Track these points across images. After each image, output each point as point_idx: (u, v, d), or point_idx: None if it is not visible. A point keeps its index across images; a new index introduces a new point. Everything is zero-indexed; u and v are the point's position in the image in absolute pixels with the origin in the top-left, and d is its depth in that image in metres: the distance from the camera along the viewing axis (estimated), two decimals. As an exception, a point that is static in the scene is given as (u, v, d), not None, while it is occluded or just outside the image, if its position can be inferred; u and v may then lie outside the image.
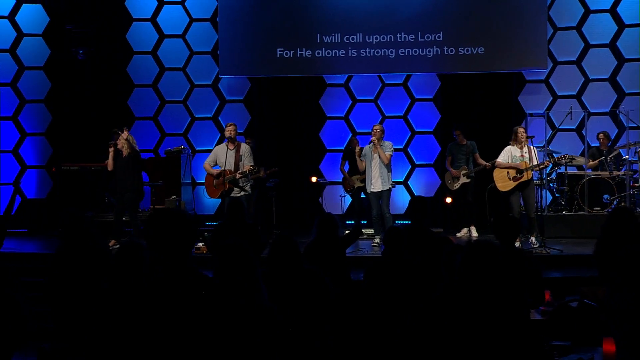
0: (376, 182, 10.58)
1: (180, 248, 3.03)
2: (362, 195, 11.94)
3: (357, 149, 10.99)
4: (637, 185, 11.38)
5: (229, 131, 10.35)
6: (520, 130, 10.31)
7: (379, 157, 10.53)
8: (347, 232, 9.32)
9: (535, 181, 10.32)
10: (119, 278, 4.74)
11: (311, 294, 4.78)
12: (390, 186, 10.71)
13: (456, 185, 11.57)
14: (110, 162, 10.34)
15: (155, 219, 3.12)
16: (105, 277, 5.04)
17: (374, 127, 10.75)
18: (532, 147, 10.26)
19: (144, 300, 2.93)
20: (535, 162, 10.03)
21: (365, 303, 5.52)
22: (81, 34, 12.59)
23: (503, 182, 10.25)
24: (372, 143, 10.58)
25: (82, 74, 13.20)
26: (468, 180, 11.53)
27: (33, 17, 13.28)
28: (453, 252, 4.03)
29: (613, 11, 12.83)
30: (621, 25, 12.80)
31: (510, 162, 10.18)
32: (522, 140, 10.20)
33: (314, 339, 4.59)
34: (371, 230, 11.11)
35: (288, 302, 4.59)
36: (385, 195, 10.62)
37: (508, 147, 10.30)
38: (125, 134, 10.31)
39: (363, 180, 11.43)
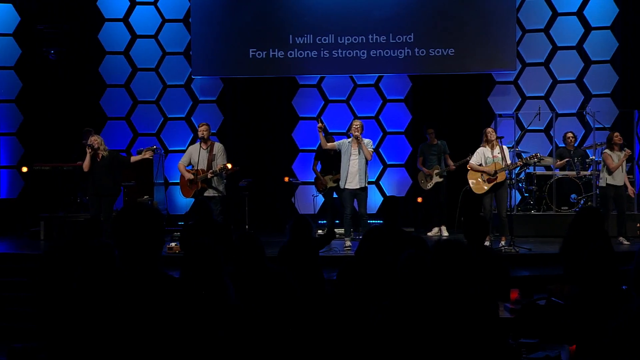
0: (354, 179, 10.15)
1: (151, 245, 2.95)
2: (335, 195, 12.01)
3: (323, 127, 10.53)
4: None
5: (201, 131, 10.36)
6: (489, 130, 10.40)
7: (362, 153, 10.13)
8: (319, 232, 9.43)
9: (507, 180, 10.45)
10: (88, 278, 4.78)
11: (275, 293, 4.83)
12: (366, 185, 10.39)
13: (430, 185, 11.69)
14: (87, 163, 10.22)
15: (125, 214, 3.04)
16: (75, 278, 5.06)
17: (356, 123, 10.29)
18: (504, 147, 10.38)
19: (111, 300, 2.93)
20: (507, 162, 10.15)
21: (336, 301, 5.57)
22: (52, 34, 12.53)
23: (477, 185, 10.33)
24: (355, 138, 10.14)
25: (54, 74, 13.12)
26: (441, 180, 11.65)
27: (3, 16, 13.17)
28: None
29: (580, 14, 13.05)
30: (588, 27, 13.02)
31: (482, 163, 10.27)
32: (492, 140, 10.29)
33: (280, 338, 4.64)
34: (342, 230, 10.75)
35: (252, 300, 4.64)
36: (363, 194, 10.26)
37: (480, 149, 10.38)
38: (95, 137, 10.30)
39: (336, 180, 11.46)
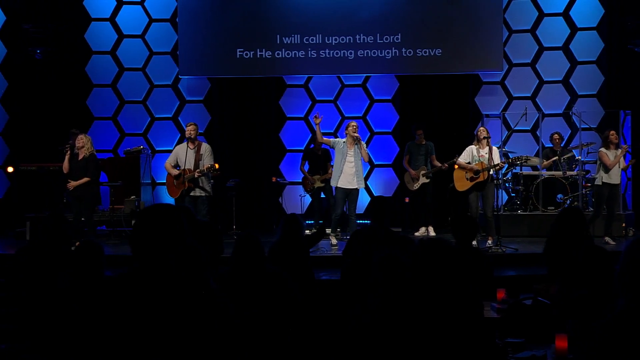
0: (352, 180, 10.38)
1: (170, 245, 2.93)
2: (322, 195, 12.03)
3: (318, 120, 10.64)
4: (589, 185, 11.65)
5: (189, 131, 10.36)
6: (481, 129, 10.49)
7: (360, 154, 10.41)
8: (307, 232, 9.41)
9: (493, 181, 10.49)
10: (76, 278, 4.76)
11: (274, 295, 4.84)
12: (363, 186, 10.64)
13: (416, 186, 11.71)
14: (65, 164, 10.30)
15: (147, 214, 3.00)
16: (61, 277, 5.04)
17: (353, 124, 10.57)
18: (494, 147, 10.43)
19: (104, 300, 2.91)
20: (494, 162, 10.19)
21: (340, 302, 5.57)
22: (39, 34, 12.49)
23: (461, 182, 10.44)
24: (354, 139, 10.41)
25: (40, 74, 13.07)
26: (427, 181, 11.68)
27: (-11, 15, 13.13)
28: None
29: (566, 15, 13.11)
30: (574, 28, 13.09)
31: (470, 161, 10.34)
32: (481, 138, 10.35)
33: (278, 339, 4.65)
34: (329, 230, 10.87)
35: (251, 302, 4.65)
36: (356, 195, 10.49)
37: (469, 147, 10.45)
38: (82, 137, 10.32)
39: (324, 181, 11.52)
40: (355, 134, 10.40)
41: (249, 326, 4.42)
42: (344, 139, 10.60)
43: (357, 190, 10.51)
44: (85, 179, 10.30)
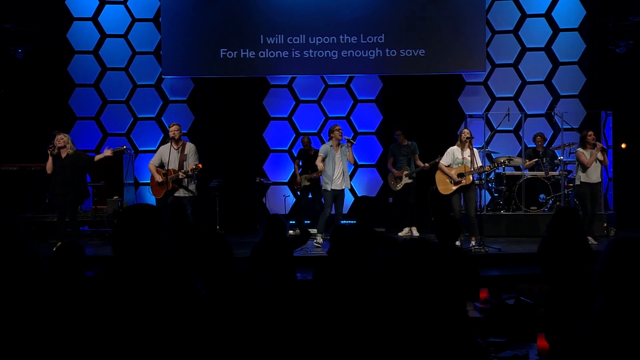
0: (340, 181, 10.69)
1: (150, 245, 2.91)
2: (310, 195, 12.04)
3: (318, 158, 10.90)
4: (571, 185, 11.72)
5: (172, 131, 10.33)
6: (465, 131, 10.53)
7: (345, 156, 10.70)
8: (291, 232, 9.43)
9: (475, 182, 10.54)
10: (57, 278, 4.74)
11: (241, 293, 4.83)
12: (349, 186, 10.91)
13: (399, 186, 11.73)
14: (49, 165, 10.23)
15: (126, 214, 2.98)
16: (40, 279, 5.00)
17: (338, 127, 10.83)
18: (475, 150, 10.47)
19: (85, 301, 2.89)
20: (476, 166, 10.24)
21: (313, 301, 5.58)
22: (20, 33, 12.42)
23: (444, 185, 10.44)
24: (338, 142, 10.67)
25: (22, 74, 12.98)
26: (410, 181, 11.69)
27: (-30, 15, 13.01)
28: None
29: (548, 16, 13.18)
30: (556, 29, 13.16)
31: (452, 163, 10.38)
32: (464, 140, 10.40)
33: (247, 339, 4.64)
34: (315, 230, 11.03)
35: (219, 300, 4.64)
36: (342, 195, 10.78)
37: (451, 149, 10.49)
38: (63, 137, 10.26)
39: (310, 180, 11.54)
40: (341, 137, 10.66)
41: (223, 326, 4.42)
42: (329, 143, 10.72)
43: (344, 190, 10.80)
44: (107, 152, 10.40)
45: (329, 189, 10.71)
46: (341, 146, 10.68)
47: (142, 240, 2.91)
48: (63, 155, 10.22)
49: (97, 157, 10.46)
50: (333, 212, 10.84)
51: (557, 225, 6.51)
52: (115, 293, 2.85)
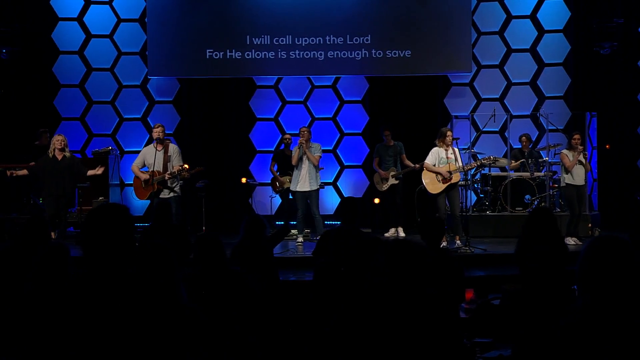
0: (304, 183, 10.77)
1: (121, 246, 2.87)
2: (291, 197, 12.03)
3: (293, 150, 11.04)
4: (556, 186, 11.78)
5: (157, 132, 10.30)
6: (450, 133, 10.56)
7: (308, 159, 10.73)
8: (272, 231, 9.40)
9: (460, 182, 10.58)
10: (42, 280, 4.70)
11: (235, 295, 4.81)
12: (319, 186, 10.90)
13: (385, 187, 11.74)
14: (39, 164, 10.25)
15: (95, 214, 2.92)
16: (27, 280, 4.98)
17: (302, 130, 10.90)
18: (456, 148, 10.52)
19: (68, 304, 2.86)
20: (460, 164, 10.29)
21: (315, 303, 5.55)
22: (5, 33, 12.34)
23: (433, 184, 10.45)
24: (300, 145, 10.74)
25: (6, 74, 12.91)
26: (397, 182, 11.70)
27: (-46, 14, 12.92)
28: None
29: (533, 17, 13.24)
30: (541, 30, 13.23)
31: (436, 163, 10.41)
32: (448, 142, 10.44)
33: (239, 339, 4.63)
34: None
35: (213, 302, 4.62)
36: (313, 195, 10.81)
37: (435, 149, 10.52)
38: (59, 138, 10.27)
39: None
40: (301, 139, 10.70)
41: (214, 328, 4.40)
42: (298, 147, 10.86)
43: (314, 191, 10.84)
44: (100, 168, 10.48)
45: (295, 190, 10.90)
46: (309, 148, 10.78)
47: (109, 240, 2.86)
48: (59, 157, 10.16)
49: (90, 173, 10.41)
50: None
51: (532, 226, 6.54)
52: (86, 295, 2.81)
